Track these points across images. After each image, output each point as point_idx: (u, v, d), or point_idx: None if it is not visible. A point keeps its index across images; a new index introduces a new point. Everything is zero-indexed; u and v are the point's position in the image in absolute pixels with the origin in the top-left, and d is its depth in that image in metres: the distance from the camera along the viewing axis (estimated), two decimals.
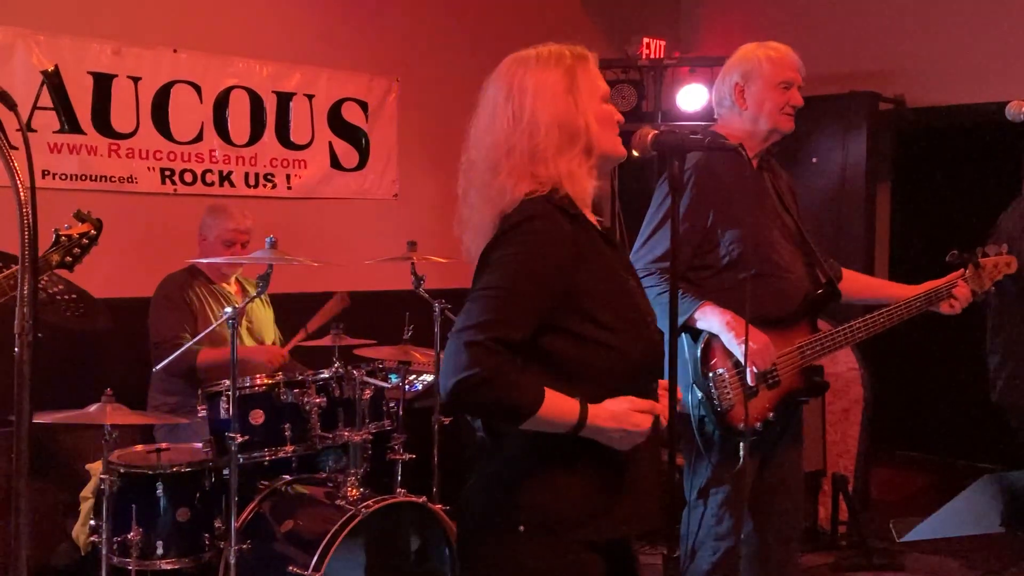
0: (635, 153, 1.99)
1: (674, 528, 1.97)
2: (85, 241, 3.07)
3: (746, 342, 2.69)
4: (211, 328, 3.60)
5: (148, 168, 4.60)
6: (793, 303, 2.92)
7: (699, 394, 2.79)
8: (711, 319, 2.77)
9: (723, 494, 2.86)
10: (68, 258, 3.03)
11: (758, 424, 2.82)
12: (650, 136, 1.94)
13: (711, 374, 2.79)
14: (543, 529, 1.86)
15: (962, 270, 3.08)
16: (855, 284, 3.14)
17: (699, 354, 2.80)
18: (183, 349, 3.54)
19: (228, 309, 3.24)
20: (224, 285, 4.14)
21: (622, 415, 1.83)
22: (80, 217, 3.11)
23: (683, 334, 2.83)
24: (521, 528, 1.86)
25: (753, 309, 2.78)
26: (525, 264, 1.82)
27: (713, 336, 2.79)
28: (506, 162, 1.90)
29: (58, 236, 3.03)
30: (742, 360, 2.73)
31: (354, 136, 5.31)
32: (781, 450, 3.00)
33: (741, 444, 2.73)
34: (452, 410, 1.82)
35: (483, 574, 1.97)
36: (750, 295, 2.77)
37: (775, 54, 2.93)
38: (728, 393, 2.78)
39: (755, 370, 2.73)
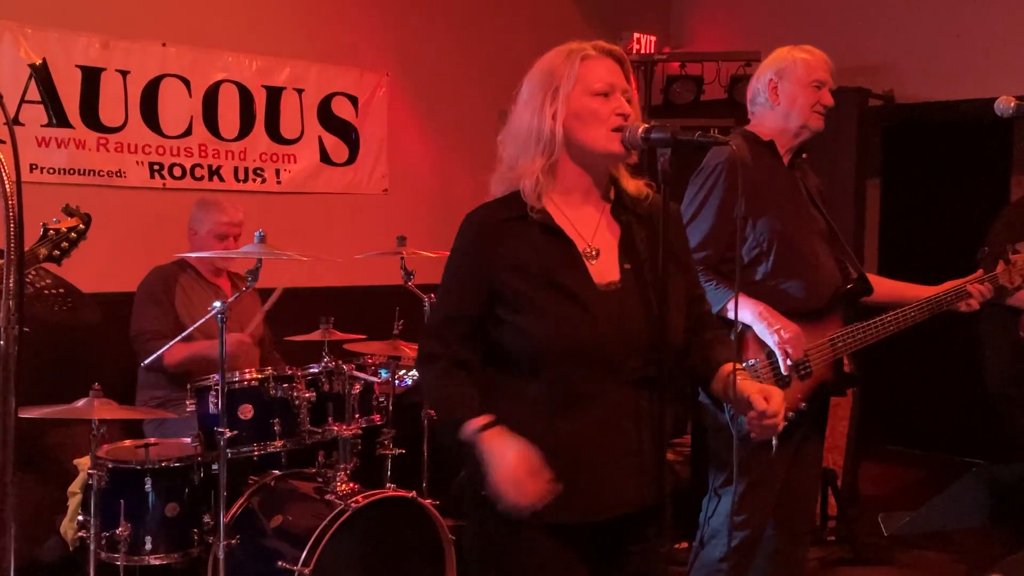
0: (629, 149, 2.00)
1: (665, 521, 1.98)
2: (73, 235, 3.03)
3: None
4: (200, 322, 3.58)
5: (137, 162, 4.59)
6: (824, 296, 2.96)
7: None
8: (744, 310, 2.81)
9: (746, 483, 2.89)
10: (56, 252, 2.99)
11: (791, 413, 2.85)
12: (640, 129, 1.94)
13: (744, 364, 2.82)
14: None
15: (980, 270, 3.11)
16: (876, 286, 3.17)
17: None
18: (166, 348, 3.53)
19: (217, 303, 3.23)
20: (214, 279, 4.12)
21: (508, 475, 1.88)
22: (68, 211, 3.07)
23: None
24: (483, 493, 1.93)
25: (784, 301, 2.87)
26: (452, 262, 2.07)
27: (746, 327, 2.84)
28: (505, 155, 2.07)
29: (46, 230, 2.99)
30: (775, 350, 2.78)
31: (344, 131, 5.30)
32: (808, 445, 3.04)
33: None
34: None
35: (466, 544, 2.15)
36: (773, 288, 2.82)
37: (809, 55, 3.03)
38: (761, 382, 2.81)
39: (789, 361, 2.77)
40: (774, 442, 2.78)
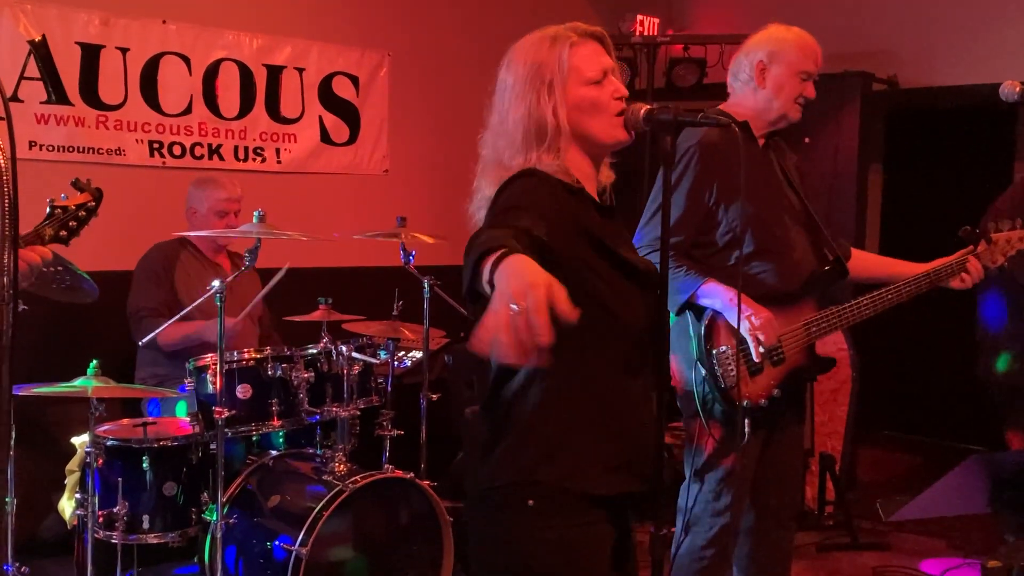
0: (631, 133, 1.99)
1: (661, 505, 1.97)
2: (82, 213, 2.82)
3: (738, 318, 2.69)
4: (199, 301, 3.57)
5: (136, 140, 4.57)
6: (797, 281, 2.91)
7: (703, 371, 2.79)
8: (714, 296, 2.76)
9: (723, 471, 2.86)
10: (63, 232, 2.78)
11: (763, 400, 2.82)
12: (642, 111, 1.93)
13: (715, 351, 2.79)
14: (551, 494, 1.87)
15: (971, 247, 3.06)
16: (864, 263, 3.12)
17: (703, 331, 2.80)
18: (161, 329, 3.53)
19: (216, 282, 3.22)
20: (214, 257, 4.12)
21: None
22: (79, 186, 2.87)
23: (687, 311, 2.82)
24: (531, 503, 1.87)
25: (756, 286, 2.80)
26: (526, 193, 1.86)
27: (717, 313, 2.78)
28: (494, 154, 1.99)
29: (52, 208, 2.82)
30: (746, 336, 2.72)
31: (345, 110, 5.28)
32: (785, 429, 3.00)
33: (746, 420, 2.73)
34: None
35: (499, 553, 1.95)
36: (745, 273, 2.79)
37: (803, 43, 2.92)
38: (732, 370, 2.77)
39: (761, 348, 2.72)
40: (747, 430, 2.75)
